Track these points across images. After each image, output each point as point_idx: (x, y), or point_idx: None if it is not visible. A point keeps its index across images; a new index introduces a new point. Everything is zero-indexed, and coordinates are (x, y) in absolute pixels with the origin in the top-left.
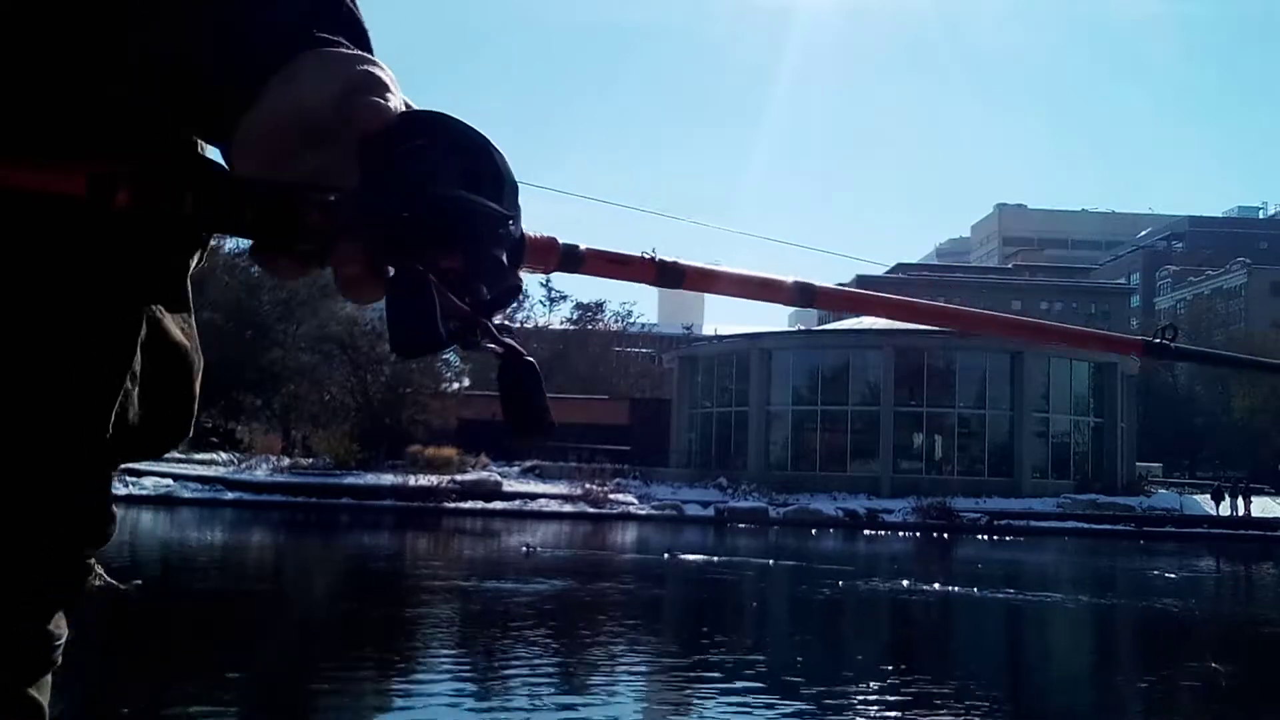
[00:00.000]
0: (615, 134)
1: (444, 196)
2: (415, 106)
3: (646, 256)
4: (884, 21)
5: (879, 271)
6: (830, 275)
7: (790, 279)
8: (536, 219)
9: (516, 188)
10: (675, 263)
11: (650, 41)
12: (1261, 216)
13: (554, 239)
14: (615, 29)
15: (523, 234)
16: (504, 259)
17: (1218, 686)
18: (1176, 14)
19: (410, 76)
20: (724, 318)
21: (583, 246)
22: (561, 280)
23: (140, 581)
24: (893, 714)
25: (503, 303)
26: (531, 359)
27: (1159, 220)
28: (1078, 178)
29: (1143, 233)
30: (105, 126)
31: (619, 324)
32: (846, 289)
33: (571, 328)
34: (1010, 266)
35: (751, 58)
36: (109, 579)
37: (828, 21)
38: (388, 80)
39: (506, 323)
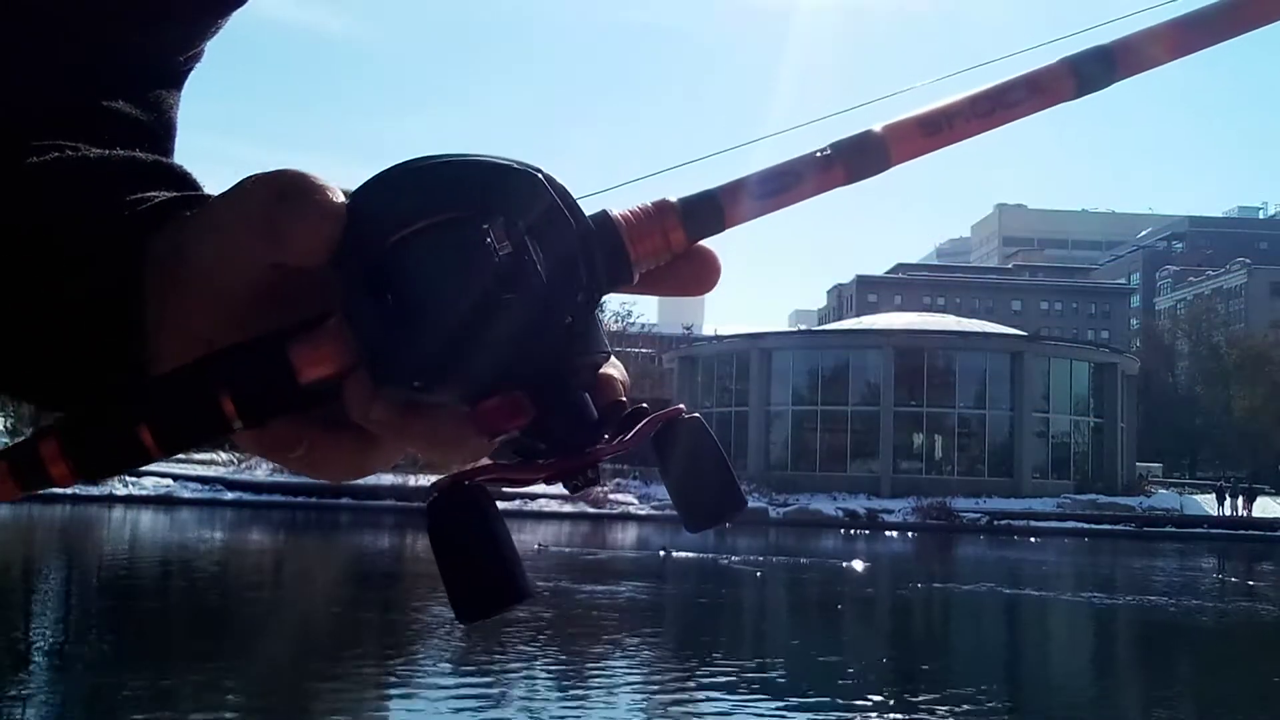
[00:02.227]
0: (615, 134)
1: (451, 333)
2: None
3: (821, 154)
4: (884, 21)
5: (879, 271)
6: (830, 275)
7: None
8: None
9: (573, 228)
10: (868, 131)
11: (650, 41)
12: (1261, 216)
13: (664, 203)
14: (614, 29)
15: (609, 225)
16: (585, 341)
17: None
18: (1176, 13)
19: (406, 78)
20: (724, 318)
21: (718, 187)
22: None
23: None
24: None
25: (615, 408)
26: (695, 415)
27: (1159, 220)
28: (1078, 178)
29: (1143, 233)
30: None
31: (619, 324)
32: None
33: None
34: (1010, 266)
35: (751, 58)
36: None
37: (828, 21)
38: (309, 176)
39: (639, 406)
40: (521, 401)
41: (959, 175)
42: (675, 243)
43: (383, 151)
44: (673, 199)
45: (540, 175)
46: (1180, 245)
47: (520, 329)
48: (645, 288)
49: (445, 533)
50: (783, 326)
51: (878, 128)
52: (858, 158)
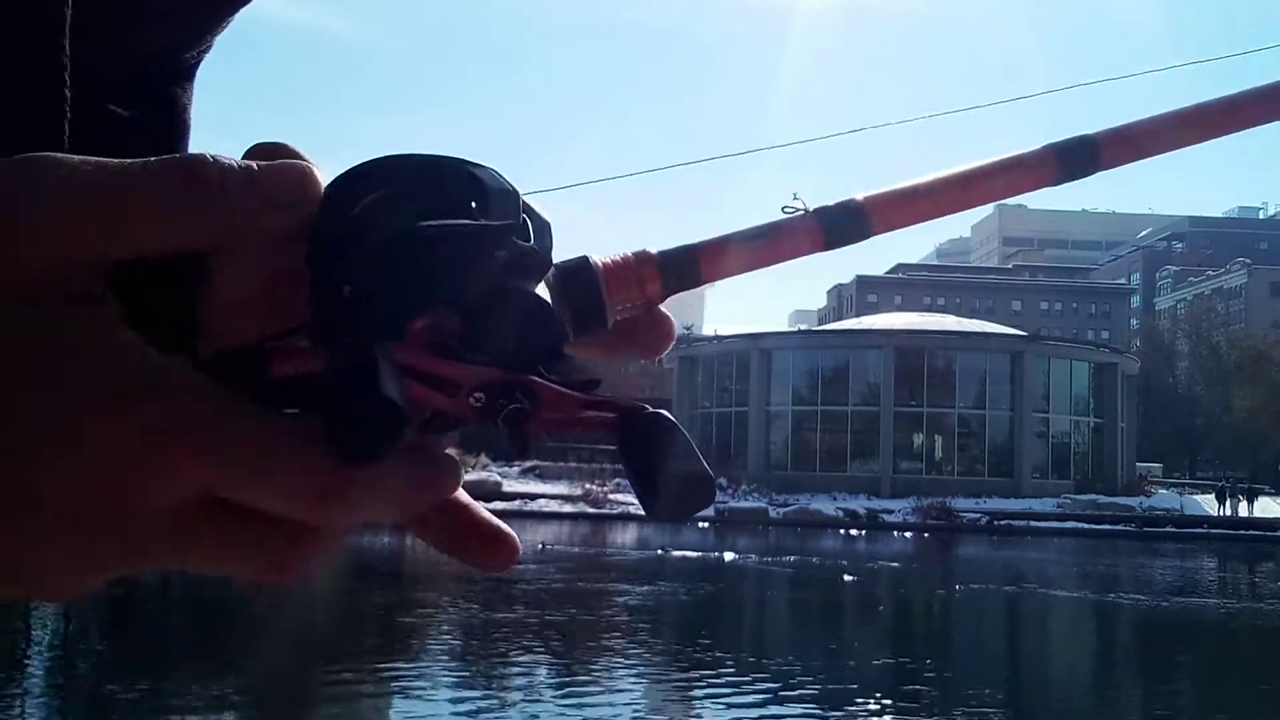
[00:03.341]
0: (615, 135)
1: (381, 240)
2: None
3: (798, 211)
4: (884, 21)
5: (879, 271)
6: (830, 275)
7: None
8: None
9: (513, 193)
10: (851, 200)
11: (650, 42)
12: (1261, 216)
13: (643, 254)
14: (614, 29)
15: (585, 266)
16: (527, 286)
17: None
18: (1177, 13)
19: (407, 79)
20: (724, 318)
21: (697, 243)
22: None
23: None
24: None
25: (549, 345)
26: (660, 412)
27: (1159, 220)
28: None
29: (1143, 233)
30: None
31: None
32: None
33: None
34: (1010, 266)
35: (751, 58)
36: None
37: (828, 21)
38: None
39: (588, 375)
40: (445, 311)
41: None
42: (651, 292)
43: (383, 152)
44: (653, 250)
45: (501, 175)
46: (1180, 245)
47: (451, 254)
48: (603, 348)
49: (334, 384)
50: (783, 326)
51: (860, 197)
52: (839, 225)
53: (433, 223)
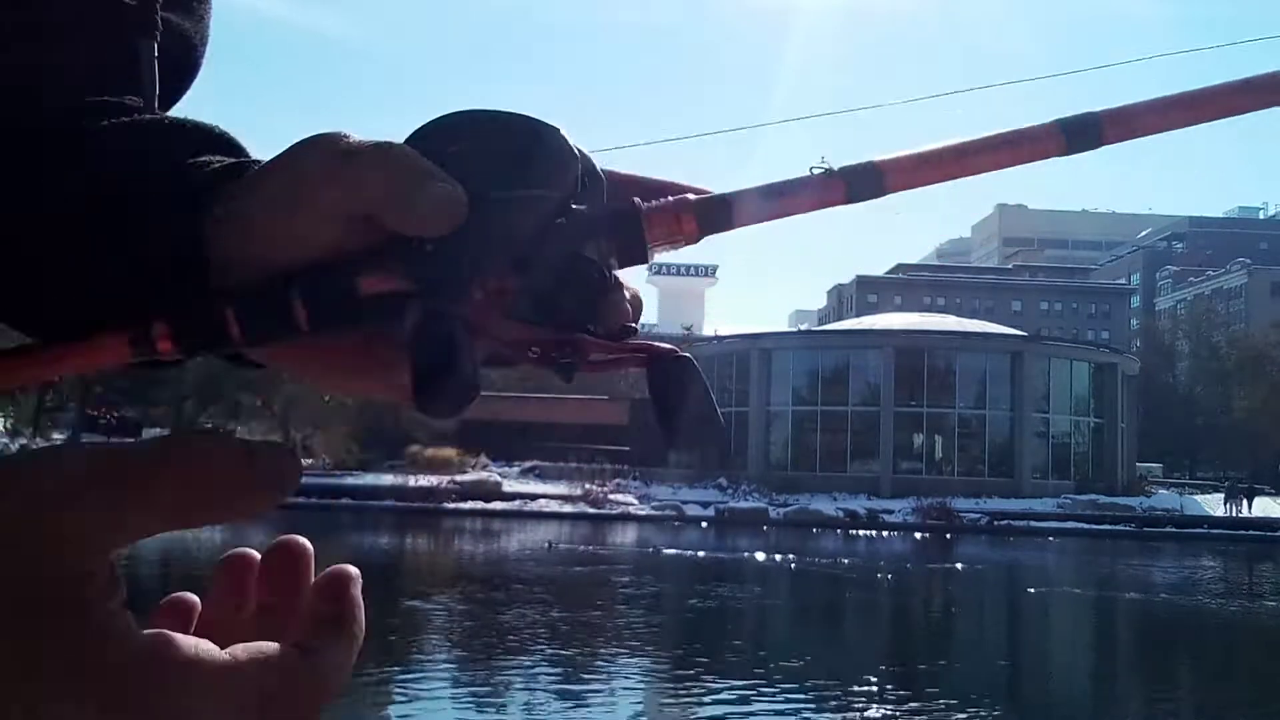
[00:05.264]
0: (615, 135)
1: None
2: None
3: (822, 170)
4: (884, 21)
5: (879, 271)
6: (830, 275)
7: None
8: None
9: (576, 159)
10: (871, 161)
11: (651, 43)
12: (1261, 216)
13: (682, 199)
14: (615, 29)
15: (632, 209)
16: (580, 248)
17: None
18: (1177, 12)
19: (407, 79)
20: (724, 318)
21: (730, 192)
22: None
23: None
24: None
25: (595, 306)
26: (685, 356)
27: (1159, 220)
28: (1078, 178)
29: (1143, 233)
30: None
31: None
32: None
33: None
34: (1010, 266)
35: (751, 58)
36: None
37: (828, 21)
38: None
39: (626, 322)
40: (511, 273)
41: None
42: (688, 230)
43: None
44: (691, 197)
45: (566, 139)
46: (1180, 245)
47: (520, 222)
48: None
49: (420, 347)
50: (783, 327)
51: (879, 158)
52: (858, 181)
53: (506, 194)
